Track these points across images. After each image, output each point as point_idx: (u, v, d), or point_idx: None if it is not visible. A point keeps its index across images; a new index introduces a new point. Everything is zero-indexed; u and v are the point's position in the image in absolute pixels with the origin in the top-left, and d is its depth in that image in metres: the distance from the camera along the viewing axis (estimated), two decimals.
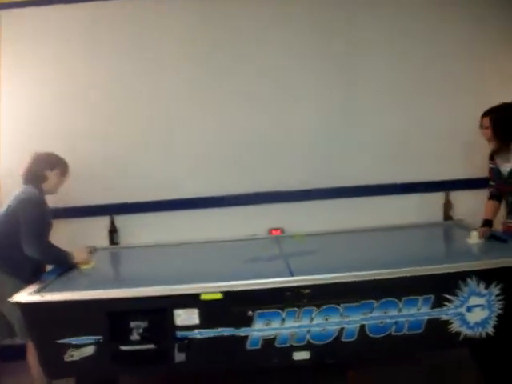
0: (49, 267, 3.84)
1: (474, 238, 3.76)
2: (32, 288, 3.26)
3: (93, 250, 4.29)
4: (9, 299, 3.12)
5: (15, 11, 4.57)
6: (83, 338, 3.03)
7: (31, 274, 3.63)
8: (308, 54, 4.67)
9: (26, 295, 3.13)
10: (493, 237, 3.85)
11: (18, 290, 3.27)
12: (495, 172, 4.01)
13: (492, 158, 4.03)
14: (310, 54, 4.67)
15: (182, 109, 4.68)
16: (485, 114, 3.93)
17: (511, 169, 3.88)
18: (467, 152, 4.62)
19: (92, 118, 4.65)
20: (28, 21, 4.60)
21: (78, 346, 3.04)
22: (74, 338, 3.03)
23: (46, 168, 3.84)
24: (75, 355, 3.05)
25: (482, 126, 3.96)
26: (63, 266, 3.75)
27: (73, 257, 3.74)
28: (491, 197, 4.07)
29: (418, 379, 3.93)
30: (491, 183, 4.08)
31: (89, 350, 3.05)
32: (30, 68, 4.63)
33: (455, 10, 4.65)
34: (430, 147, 4.67)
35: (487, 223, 3.96)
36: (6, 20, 4.59)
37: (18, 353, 3.82)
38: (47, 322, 3.06)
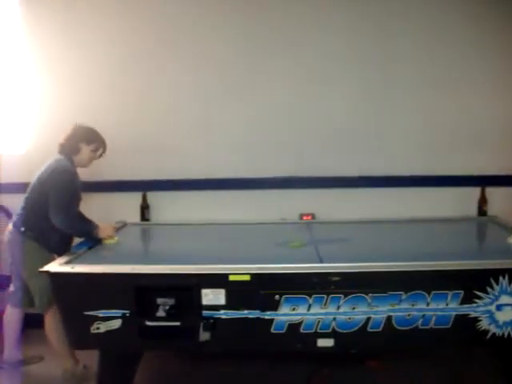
0: (77, 240, 3.87)
1: None
2: (62, 259, 3.31)
3: (120, 226, 4.33)
4: (36, 268, 3.18)
5: None
6: (110, 311, 3.06)
7: (57, 245, 3.70)
8: (344, 43, 4.63)
9: (57, 265, 3.17)
10: None
11: (43, 259, 3.33)
12: None
13: None
14: (346, 42, 4.63)
15: (221, 90, 4.67)
16: None
17: None
18: (506, 148, 4.54)
19: (131, 95, 4.67)
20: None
21: (104, 319, 3.06)
22: (101, 311, 3.06)
23: (82, 141, 3.86)
24: (101, 328, 3.07)
25: None
26: (88, 238, 3.77)
27: (98, 231, 3.75)
28: None
29: (439, 375, 3.87)
30: None
31: (115, 324, 3.07)
32: (60, 43, 4.65)
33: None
34: (468, 141, 4.60)
35: None
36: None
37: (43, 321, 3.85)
38: (75, 293, 3.08)
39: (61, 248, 3.66)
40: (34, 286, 3.71)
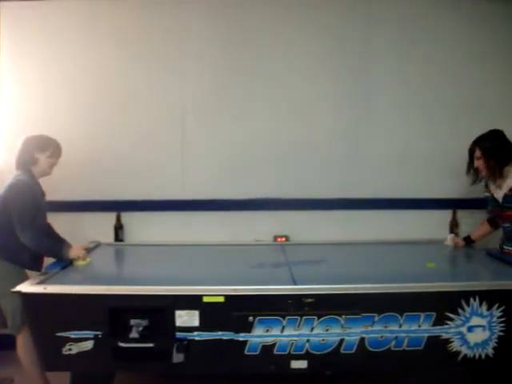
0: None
1: (449, 242, 4.22)
2: (35, 279, 3.26)
3: (94, 246, 4.29)
4: (8, 289, 3.13)
5: (17, 4, 4.58)
6: (83, 332, 3.03)
7: (32, 261, 3.66)
8: (325, 67, 4.69)
9: (29, 286, 3.13)
10: (491, 255, 3.92)
11: (17, 278, 3.32)
12: (490, 200, 4.05)
13: (486, 185, 4.10)
14: (327, 67, 4.69)
15: (196, 111, 4.69)
16: (474, 144, 3.97)
17: (504, 194, 3.90)
18: None
19: (105, 115, 4.66)
20: (29, 12, 4.60)
21: (76, 340, 3.04)
22: (74, 332, 3.03)
23: (35, 150, 3.76)
24: (73, 349, 3.05)
25: (471, 156, 4.00)
26: (57, 258, 3.69)
27: (68, 251, 3.67)
28: (487, 220, 4.21)
29: None
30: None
31: (87, 345, 3.05)
32: (35, 63, 4.64)
33: (470, 27, 4.69)
34: (440, 164, 4.66)
35: (467, 239, 4.22)
36: (7, 12, 4.61)
37: (15, 342, 3.79)
38: (47, 314, 3.05)
39: (35, 264, 3.65)
40: (6, 307, 3.65)
